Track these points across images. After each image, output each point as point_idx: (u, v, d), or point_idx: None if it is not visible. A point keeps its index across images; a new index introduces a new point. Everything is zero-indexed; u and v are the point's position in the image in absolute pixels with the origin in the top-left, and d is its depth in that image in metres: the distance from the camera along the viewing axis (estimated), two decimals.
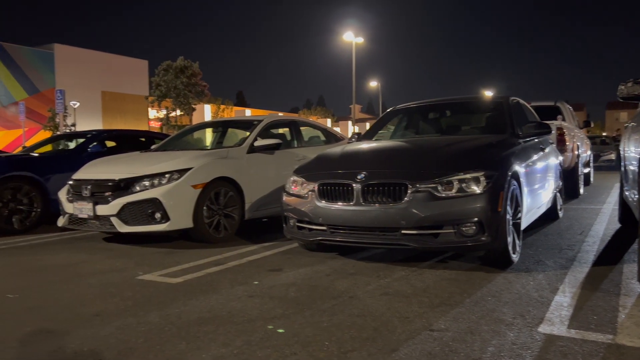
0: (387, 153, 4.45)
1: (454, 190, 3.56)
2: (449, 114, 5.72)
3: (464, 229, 3.53)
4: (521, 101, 5.60)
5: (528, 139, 4.73)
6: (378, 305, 3.00)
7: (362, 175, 3.77)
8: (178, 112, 34.76)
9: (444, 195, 3.56)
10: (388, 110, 5.81)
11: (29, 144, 28.96)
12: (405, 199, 3.59)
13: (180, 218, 4.93)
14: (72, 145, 8.35)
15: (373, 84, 50.83)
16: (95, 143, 7.30)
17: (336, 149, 4.78)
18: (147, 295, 3.34)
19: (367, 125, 62.37)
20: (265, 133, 6.23)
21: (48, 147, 8.42)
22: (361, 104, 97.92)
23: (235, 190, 5.46)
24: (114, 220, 4.91)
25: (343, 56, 67.86)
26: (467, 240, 3.55)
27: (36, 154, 7.04)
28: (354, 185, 3.76)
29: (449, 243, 3.60)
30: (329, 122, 57.98)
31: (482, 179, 3.58)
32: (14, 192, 6.22)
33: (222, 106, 45.31)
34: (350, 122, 61.65)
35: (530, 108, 5.95)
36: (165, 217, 4.86)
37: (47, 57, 34.77)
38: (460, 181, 3.58)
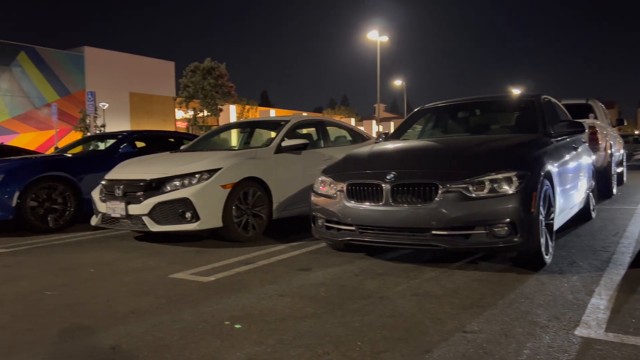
0: (416, 153, 4.42)
1: (485, 191, 3.52)
2: (478, 113, 5.65)
3: (496, 229, 3.48)
4: (553, 99, 5.50)
5: (560, 138, 4.64)
6: (409, 306, 2.99)
7: (392, 175, 3.76)
8: (205, 113, 35.23)
9: (475, 195, 3.52)
10: (415, 109, 5.78)
11: (60, 144, 29.76)
12: (436, 199, 3.56)
13: (210, 217, 4.99)
14: (103, 146, 8.56)
15: (398, 82, 50.51)
16: (126, 144, 7.45)
17: (364, 149, 4.77)
18: (180, 294, 3.40)
19: (392, 125, 62.07)
20: (292, 133, 6.27)
21: (80, 148, 8.64)
22: (385, 103, 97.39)
23: (263, 190, 5.51)
24: (145, 219, 5.01)
25: (367, 55, 67.67)
26: (499, 241, 3.50)
27: (70, 155, 7.22)
28: (383, 185, 3.75)
29: (480, 244, 3.55)
30: (352, 122, 57.89)
31: (514, 179, 3.53)
32: (49, 192, 6.40)
33: (247, 106, 45.72)
34: (374, 122, 61.43)
35: (562, 106, 5.84)
36: (196, 217, 4.93)
37: (78, 59, 35.63)
38: (492, 181, 3.54)
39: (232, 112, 39.61)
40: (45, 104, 33.28)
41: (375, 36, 30.10)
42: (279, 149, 5.85)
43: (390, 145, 4.82)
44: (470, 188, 3.55)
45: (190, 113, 35.93)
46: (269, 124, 7.31)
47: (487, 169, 3.62)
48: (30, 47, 33.33)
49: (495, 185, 3.53)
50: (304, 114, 50.93)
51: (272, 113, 47.09)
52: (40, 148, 32.14)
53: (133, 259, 4.61)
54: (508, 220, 3.47)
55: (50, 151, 29.02)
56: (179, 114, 40.98)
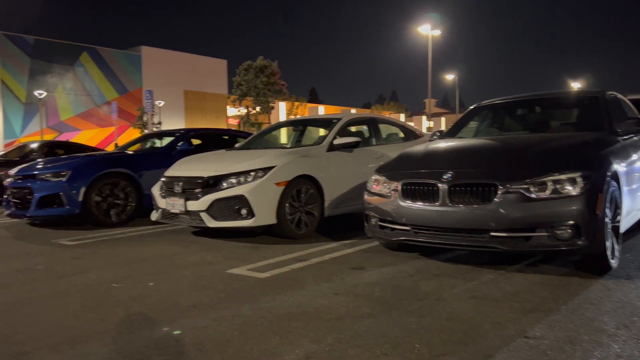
0: (474, 151, 4.33)
1: (547, 192, 3.40)
2: (538, 110, 5.44)
3: (558, 232, 3.36)
4: (619, 95, 5.23)
5: (627, 137, 4.41)
6: (467, 309, 2.94)
7: (449, 175, 3.70)
8: (257, 109, 35.90)
9: (536, 196, 3.41)
10: (472, 107, 5.65)
11: (120, 140, 31.09)
12: (495, 200, 3.48)
13: (265, 214, 5.09)
14: (161, 143, 8.88)
15: (449, 77, 49.43)
16: (183, 141, 7.70)
17: (419, 147, 4.72)
18: (238, 289, 3.49)
19: (443, 120, 60.85)
20: (344, 131, 6.27)
21: (139, 145, 9.00)
22: (436, 98, 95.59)
23: (315, 188, 5.55)
24: (203, 215, 5.16)
25: (418, 49, 66.54)
26: (561, 244, 3.38)
27: (131, 152, 7.54)
28: (439, 185, 3.70)
29: (541, 246, 3.44)
30: (402, 118, 57.21)
31: (578, 179, 3.40)
32: (112, 188, 6.71)
33: (296, 103, 46.09)
34: (424, 117, 60.41)
35: (629, 103, 5.54)
36: (251, 214, 5.04)
37: (135, 59, 37.06)
38: (555, 182, 3.42)
39: (282, 109, 40.08)
40: (105, 102, 34.85)
41: (427, 30, 29.58)
42: (331, 147, 5.88)
43: (446, 144, 4.74)
44: (532, 189, 3.44)
45: (243, 111, 36.68)
46: (321, 122, 7.35)
47: (549, 169, 3.49)
48: (92, 47, 34.97)
49: (558, 186, 3.41)
50: (353, 110, 50.81)
51: (321, 109, 47.28)
52: (101, 144, 33.71)
53: (192, 253, 4.76)
54: (572, 222, 3.34)
55: (111, 147, 30.29)
56: (231, 111, 41.89)
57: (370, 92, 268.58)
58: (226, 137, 8.91)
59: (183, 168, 5.73)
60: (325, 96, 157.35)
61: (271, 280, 3.72)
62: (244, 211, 5.06)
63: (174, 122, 36.98)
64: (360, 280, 3.64)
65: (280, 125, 7.63)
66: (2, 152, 11.92)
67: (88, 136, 33.59)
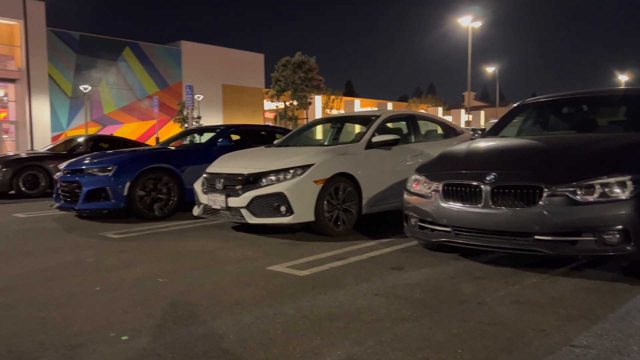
0: (518, 152, 4.24)
1: (595, 195, 3.31)
2: (585, 109, 5.27)
3: (606, 237, 3.27)
4: None
5: None
6: (510, 314, 2.90)
7: (492, 176, 3.64)
8: (294, 103, 36.16)
9: (583, 200, 3.32)
10: (515, 104, 5.52)
11: (160, 133, 31.86)
12: (540, 202, 3.41)
13: (303, 211, 5.14)
14: (201, 139, 9.07)
15: (490, 69, 48.29)
16: (223, 138, 7.84)
17: (461, 147, 4.65)
18: (279, 286, 3.55)
19: (482, 114, 59.52)
20: (382, 128, 6.25)
21: (180, 141, 9.22)
22: (475, 91, 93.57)
23: (353, 186, 5.57)
24: (244, 211, 5.26)
25: (457, 42, 65.23)
26: (608, 249, 3.29)
27: (173, 148, 7.73)
28: (482, 186, 3.65)
29: (588, 251, 3.36)
30: (440, 111, 56.31)
31: (628, 183, 3.29)
32: (155, 182, 6.91)
33: (332, 97, 46.02)
34: (463, 111, 59.27)
35: None
36: (290, 211, 5.10)
37: (175, 53, 37.81)
38: (603, 185, 3.32)
39: (317, 103, 40.11)
40: (147, 96, 35.75)
41: (468, 22, 28.97)
42: (370, 145, 5.87)
43: (489, 143, 4.65)
44: (578, 192, 3.36)
45: (280, 105, 37.03)
46: (359, 119, 7.33)
47: (597, 171, 3.40)
48: (134, 42, 35.88)
49: (606, 190, 3.31)
50: (389, 103, 50.33)
51: (357, 103, 47.00)
52: (142, 137, 34.64)
53: (232, 249, 4.87)
54: (620, 227, 3.25)
55: (152, 140, 31.05)
56: (268, 105, 42.30)
57: (408, 85, 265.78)
58: (264, 133, 9.03)
59: (224, 165, 5.84)
60: (361, 89, 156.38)
61: (311, 278, 3.77)
62: (283, 208, 5.13)
63: (213, 116, 37.60)
64: (399, 281, 3.64)
65: (317, 122, 7.67)
66: (50, 146, 12.43)
67: (130, 129, 34.57)
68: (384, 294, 3.33)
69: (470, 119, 43.43)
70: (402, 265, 4.10)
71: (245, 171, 5.41)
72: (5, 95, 31.32)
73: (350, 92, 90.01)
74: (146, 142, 32.69)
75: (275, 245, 4.99)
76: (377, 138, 5.92)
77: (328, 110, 47.48)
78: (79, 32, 33.26)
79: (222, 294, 3.41)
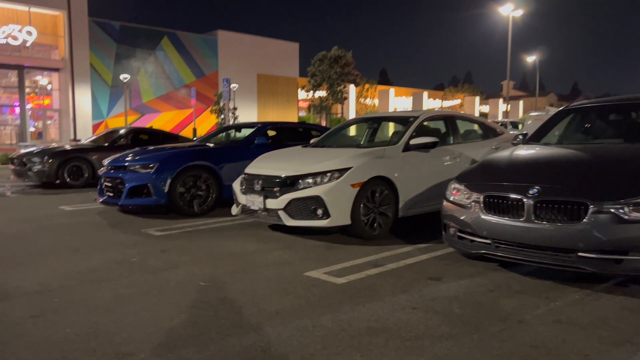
0: (562, 164, 4.14)
1: None
2: (634, 116, 5.08)
3: None
4: None
5: None
6: (551, 335, 2.87)
7: (535, 190, 3.58)
8: (330, 98, 36.20)
9: (632, 217, 3.23)
10: (559, 109, 5.37)
11: (197, 122, 32.38)
12: (585, 220, 3.33)
13: (340, 215, 5.18)
14: (234, 135, 9.19)
15: (530, 59, 46.87)
16: (261, 135, 7.93)
17: (502, 155, 4.57)
18: (317, 295, 3.61)
19: (521, 104, 57.94)
20: (420, 130, 6.18)
21: (217, 137, 9.36)
22: (514, 79, 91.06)
23: (390, 189, 5.56)
24: (281, 213, 5.34)
25: (496, 29, 63.43)
26: None
27: (212, 145, 7.87)
28: (525, 200, 3.59)
29: (634, 271, 3.28)
30: (477, 101, 55.09)
31: None
32: (195, 179, 7.07)
33: (367, 85, 45.60)
34: (500, 100, 57.80)
35: None
36: (326, 214, 5.15)
37: (212, 43, 38.17)
38: None
39: (351, 92, 39.85)
40: (184, 85, 36.30)
41: (508, 10, 28.16)
42: (407, 147, 5.83)
43: (532, 152, 4.56)
44: (626, 209, 3.27)
45: (314, 94, 37.09)
46: (396, 119, 7.27)
47: None
48: (172, 32, 36.40)
49: None
50: (425, 92, 49.51)
51: (392, 92, 46.40)
52: (179, 125, 35.31)
53: (270, 251, 4.95)
54: None
55: (189, 130, 31.54)
56: (302, 94, 42.37)
57: (444, 74, 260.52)
58: (300, 130, 9.08)
59: (262, 166, 5.91)
60: (395, 77, 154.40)
61: (348, 287, 3.80)
62: (319, 211, 5.18)
63: (247, 106, 37.89)
64: (438, 293, 3.64)
65: (354, 121, 7.66)
66: (93, 138, 12.83)
67: (167, 118, 35.26)
68: (422, 308, 3.34)
69: (509, 108, 42.37)
70: (440, 275, 4.09)
71: (283, 173, 5.47)
72: (50, 83, 32.43)
73: (385, 80, 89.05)
74: (182, 132, 33.41)
75: (312, 248, 5.05)
76: (415, 140, 5.87)
77: (362, 99, 47.14)
78: (119, 22, 33.96)
79: (262, 302, 3.49)
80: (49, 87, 32.62)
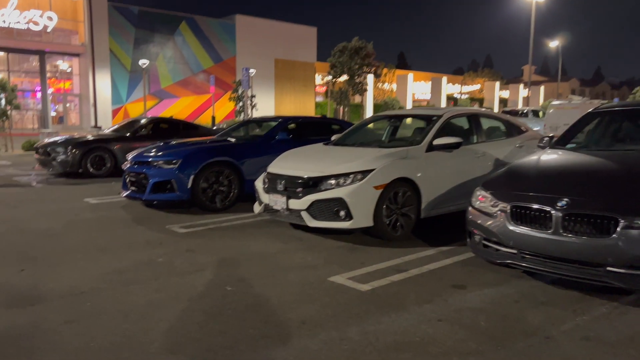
0: (592, 173, 4.08)
1: None
2: None
3: None
4: None
5: None
6: (579, 354, 2.87)
7: (564, 202, 3.55)
8: (348, 85, 36.07)
9: None
10: (587, 112, 5.27)
11: (216, 108, 32.47)
12: (614, 235, 3.30)
13: (362, 217, 5.20)
14: (254, 127, 9.22)
15: (553, 44, 45.85)
16: (281, 130, 7.95)
17: (529, 162, 4.52)
18: (343, 304, 3.65)
19: (542, 89, 56.88)
20: (444, 128, 6.13)
21: (237, 131, 9.40)
22: (535, 64, 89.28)
23: (412, 190, 5.55)
24: (303, 214, 5.37)
25: (517, 13, 62.06)
26: None
27: (233, 141, 7.91)
28: (553, 212, 3.57)
29: None
30: (497, 86, 54.24)
31: None
32: (217, 175, 7.14)
33: (385, 70, 45.11)
34: (521, 85, 56.86)
35: None
36: (349, 216, 5.17)
37: (230, 27, 38.05)
38: None
39: (369, 78, 39.48)
40: (202, 70, 36.36)
41: None
42: (430, 147, 5.80)
43: (559, 159, 4.49)
44: None
45: (334, 85, 37.00)
46: (419, 117, 7.21)
47: None
48: (190, 17, 36.36)
49: None
50: (444, 77, 48.84)
51: (410, 77, 45.89)
52: (197, 111, 35.48)
53: (293, 252, 5.01)
54: None
55: (207, 116, 31.60)
56: (318, 79, 42.20)
57: (463, 58, 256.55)
58: (321, 124, 9.08)
59: (285, 166, 5.93)
60: (414, 61, 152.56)
61: (373, 295, 3.84)
62: (342, 213, 5.20)
63: (265, 91, 37.81)
64: (463, 303, 3.65)
65: (376, 118, 7.61)
66: (114, 127, 12.98)
67: (185, 103, 35.43)
68: (448, 320, 3.36)
69: (529, 94, 41.66)
70: (464, 282, 4.10)
71: (306, 174, 5.49)
72: (70, 67, 32.77)
73: (403, 64, 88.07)
74: (200, 117, 33.55)
75: (334, 250, 5.09)
76: (439, 141, 5.83)
77: (380, 85, 46.70)
78: (138, 7, 34.01)
79: (289, 310, 3.54)
80: (68, 70, 32.97)
